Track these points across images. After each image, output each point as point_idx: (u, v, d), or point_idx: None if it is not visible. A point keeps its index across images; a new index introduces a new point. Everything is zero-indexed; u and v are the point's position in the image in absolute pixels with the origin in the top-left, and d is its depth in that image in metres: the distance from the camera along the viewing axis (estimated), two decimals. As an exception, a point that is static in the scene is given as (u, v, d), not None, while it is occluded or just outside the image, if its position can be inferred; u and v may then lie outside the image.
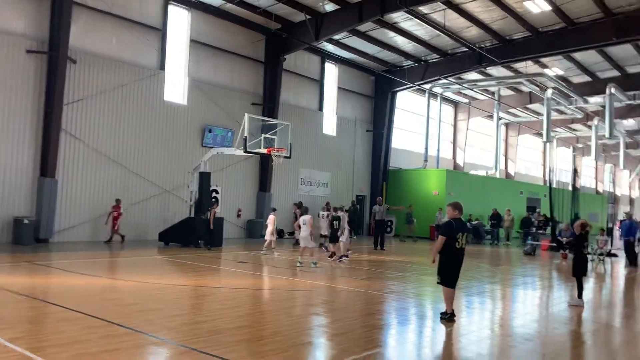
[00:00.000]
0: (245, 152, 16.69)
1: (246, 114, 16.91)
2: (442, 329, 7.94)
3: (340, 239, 15.10)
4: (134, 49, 18.86)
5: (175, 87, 20.38)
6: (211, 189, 19.07)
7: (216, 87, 21.42)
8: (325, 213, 16.32)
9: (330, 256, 15.12)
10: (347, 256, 15.19)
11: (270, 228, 15.99)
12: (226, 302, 8.70)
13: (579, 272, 9.84)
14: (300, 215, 14.66)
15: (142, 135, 19.07)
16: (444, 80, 28.47)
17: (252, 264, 14.17)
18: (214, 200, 17.24)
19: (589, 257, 19.71)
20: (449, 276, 7.85)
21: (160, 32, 19.65)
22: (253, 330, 6.98)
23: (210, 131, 20.89)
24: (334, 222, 15.10)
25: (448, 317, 7.76)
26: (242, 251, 17.10)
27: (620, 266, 18.14)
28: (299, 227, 13.94)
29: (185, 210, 18.61)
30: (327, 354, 6.15)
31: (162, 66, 19.74)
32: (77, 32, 17.09)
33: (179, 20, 20.39)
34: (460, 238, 7.69)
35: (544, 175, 44.98)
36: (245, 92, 22.57)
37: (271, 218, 16.22)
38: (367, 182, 29.09)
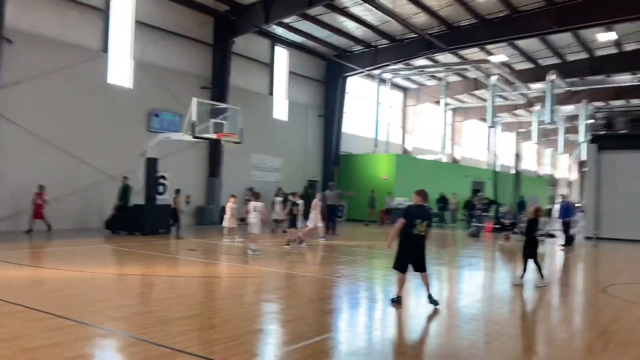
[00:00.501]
0: (194, 137, 16.35)
1: (194, 98, 16.53)
2: (392, 311, 8.11)
3: (307, 224, 15.73)
4: (76, 29, 18.06)
5: (120, 70, 19.67)
6: (158, 175, 18.61)
7: (163, 70, 20.83)
8: (280, 199, 16.39)
9: (287, 243, 15.18)
10: (304, 241, 15.39)
11: (228, 214, 15.78)
12: (176, 291, 8.57)
13: (529, 255, 10.10)
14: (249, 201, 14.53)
15: (85, 119, 18.36)
16: (394, 66, 28.77)
17: (202, 252, 14.01)
18: (178, 189, 16.90)
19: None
20: (401, 261, 7.88)
21: (104, 12, 18.88)
22: (204, 318, 6.90)
23: (157, 115, 20.34)
24: (293, 208, 15.25)
25: (396, 301, 7.86)
26: (191, 238, 16.84)
27: (557, 247, 18.99)
28: (247, 212, 13.65)
29: (132, 197, 18.11)
30: (278, 341, 6.16)
31: (105, 48, 19.00)
32: (14, 11, 16.17)
33: (123, 1, 19.64)
34: (419, 224, 7.67)
35: (489, 159, 46.36)
36: (193, 75, 22.06)
37: (228, 205, 16.00)
38: (319, 167, 29.17)
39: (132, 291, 8.67)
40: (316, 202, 16.35)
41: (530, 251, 10.14)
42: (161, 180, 19.36)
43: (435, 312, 7.53)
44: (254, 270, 11.11)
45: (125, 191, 17.72)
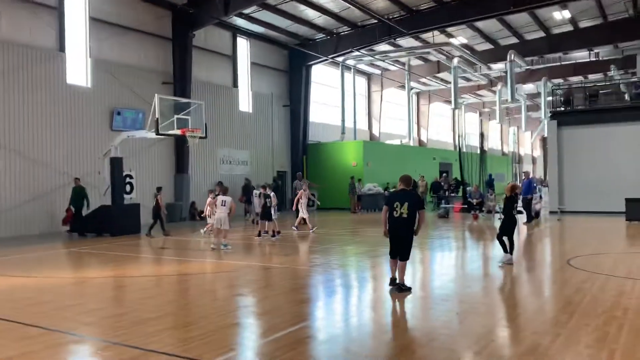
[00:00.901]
0: (158, 134, 16.12)
1: (156, 95, 16.28)
2: (367, 297, 8.23)
3: (274, 217, 15.55)
4: (28, 29, 17.51)
5: (78, 69, 19.20)
6: (125, 174, 18.33)
7: (123, 67, 20.41)
8: (259, 192, 16.31)
9: (258, 235, 15.20)
10: (279, 232, 15.50)
11: (208, 211, 15.41)
12: (148, 291, 8.50)
13: (507, 232, 10.12)
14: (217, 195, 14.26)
15: (44, 122, 17.90)
16: (356, 53, 28.84)
17: (174, 249, 13.89)
18: (160, 187, 16.61)
19: (497, 215, 21.20)
20: (390, 245, 8.00)
21: (57, 10, 18.34)
22: (177, 317, 6.88)
23: (119, 114, 19.97)
24: (267, 200, 15.25)
25: (390, 284, 7.92)
26: (161, 236, 16.67)
27: (520, 223, 19.45)
28: (213, 207, 13.33)
29: (98, 198, 17.80)
30: (254, 333, 6.20)
31: (61, 47, 18.50)
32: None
33: (76, -3, 19.13)
34: (398, 207, 7.72)
35: (454, 141, 47.10)
36: (154, 71, 21.69)
37: (208, 201, 15.75)
38: (287, 157, 29.14)
39: (104, 294, 8.56)
40: (302, 192, 16.52)
41: (508, 228, 10.18)
42: (128, 180, 19.10)
43: (400, 295, 7.66)
44: (227, 265, 11.09)
45: (78, 193, 17.12)
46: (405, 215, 7.73)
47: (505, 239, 10.14)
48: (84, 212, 17.19)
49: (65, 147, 18.51)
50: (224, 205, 12.94)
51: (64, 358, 5.28)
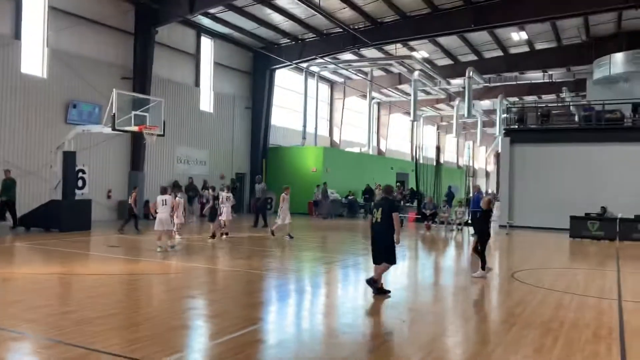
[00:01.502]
0: (114, 129, 15.79)
1: (114, 90, 15.95)
2: (319, 302, 8.31)
3: (221, 218, 15.55)
4: (-19, 13, 16.89)
5: (34, 59, 18.61)
6: (77, 169, 17.86)
7: (81, 59, 19.90)
8: (226, 194, 16.20)
9: (212, 236, 15.07)
10: (227, 233, 15.60)
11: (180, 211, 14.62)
12: (95, 290, 8.32)
13: (483, 247, 10.14)
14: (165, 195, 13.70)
15: (-6, 110, 17.25)
16: (321, 60, 29.05)
17: (124, 248, 13.62)
18: (135, 185, 16.32)
19: (450, 227, 21.73)
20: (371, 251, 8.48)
21: (13, -4, 17.76)
22: (125, 317, 6.78)
23: (75, 107, 19.45)
24: (215, 202, 15.20)
25: (374, 289, 8.23)
26: (112, 234, 16.31)
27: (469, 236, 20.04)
28: (155, 209, 12.55)
29: (48, 192, 17.27)
30: (202, 335, 6.18)
31: (17, 35, 17.89)
32: None
33: (35, -16, 18.56)
34: (375, 213, 8.24)
35: (412, 152, 47.94)
36: (113, 65, 21.23)
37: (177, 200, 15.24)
38: (246, 159, 28.99)
39: (49, 291, 8.33)
40: (284, 196, 15.90)
41: (484, 244, 10.21)
42: (80, 175, 18.62)
43: (362, 301, 7.79)
44: (178, 266, 10.98)
45: (6, 186, 16.38)
46: (379, 220, 8.15)
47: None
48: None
49: (17, 138, 17.88)
50: (165, 205, 12.39)
51: (3, 356, 5.12)
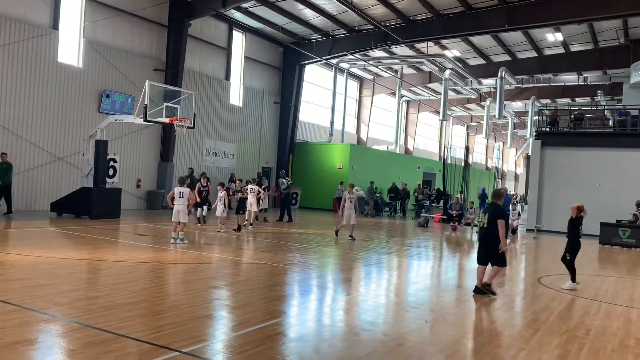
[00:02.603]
0: (146, 120, 16.07)
1: (147, 81, 16.21)
2: (340, 298, 8.34)
3: (249, 209, 16.17)
4: (23, 4, 17.34)
5: (70, 49, 19.05)
6: (108, 157, 18.23)
7: (115, 50, 20.30)
8: (255, 187, 16.68)
9: (238, 229, 15.27)
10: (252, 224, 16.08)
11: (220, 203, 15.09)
12: (123, 277, 8.51)
13: (572, 257, 9.72)
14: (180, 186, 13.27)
15: (32, 98, 17.75)
16: (351, 56, 28.97)
17: (151, 237, 13.87)
18: (204, 172, 16.59)
19: (475, 228, 21.49)
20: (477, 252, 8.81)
21: (53, -13, 18.20)
22: (150, 304, 6.91)
23: (108, 97, 19.86)
24: (236, 193, 15.51)
25: (476, 291, 8.55)
26: (141, 223, 16.62)
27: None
28: (172, 199, 12.55)
29: (80, 179, 17.69)
30: (225, 326, 6.27)
31: (55, 25, 18.35)
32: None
33: (74, -24, 18.98)
34: (483, 218, 8.67)
35: (440, 152, 47.51)
36: (147, 56, 21.60)
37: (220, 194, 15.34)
38: (273, 154, 29.17)
39: (78, 276, 8.55)
40: (346, 195, 15.39)
41: (574, 253, 9.75)
42: (111, 164, 19.01)
43: (384, 299, 7.75)
44: (203, 257, 11.13)
45: (4, 170, 16.09)
46: (485, 225, 8.49)
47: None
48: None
49: (52, 125, 18.36)
50: (182, 197, 12.39)
51: (34, 336, 5.30)
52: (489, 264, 8.58)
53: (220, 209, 15.00)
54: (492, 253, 8.47)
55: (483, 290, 8.50)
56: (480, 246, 8.74)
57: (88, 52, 19.38)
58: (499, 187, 27.38)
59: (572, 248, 9.79)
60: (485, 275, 8.64)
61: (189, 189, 12.77)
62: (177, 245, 12.13)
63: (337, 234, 15.75)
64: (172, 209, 12.52)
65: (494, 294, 8.51)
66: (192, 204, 13.10)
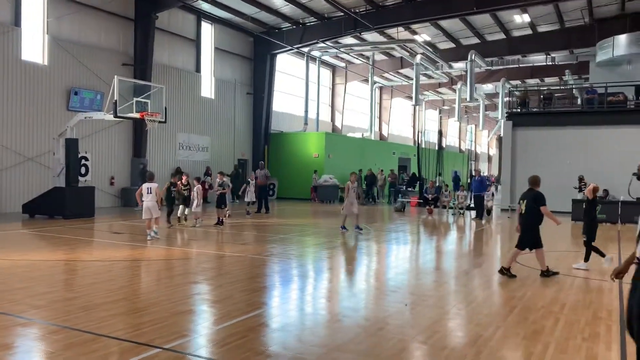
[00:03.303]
0: (116, 116, 15.81)
1: (116, 76, 15.95)
2: (322, 287, 8.38)
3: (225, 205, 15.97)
4: (-20, 0, 16.82)
5: (34, 46, 18.57)
6: (80, 156, 17.91)
7: (82, 46, 19.86)
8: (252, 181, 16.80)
9: (220, 222, 15.22)
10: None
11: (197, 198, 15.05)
12: (100, 276, 8.41)
13: (589, 238, 9.76)
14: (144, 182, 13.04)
15: (-5, 98, 17.27)
16: (322, 44, 28.90)
17: (128, 234, 13.71)
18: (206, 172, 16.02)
19: (451, 210, 21.79)
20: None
21: (12, -18, 17.67)
22: (129, 303, 6.86)
23: (76, 94, 19.46)
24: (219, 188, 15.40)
25: (543, 274, 8.80)
26: (116, 221, 16.41)
27: (470, 219, 20.10)
28: (140, 196, 12.34)
29: (51, 179, 17.35)
30: (207, 320, 6.26)
31: (17, 22, 17.85)
32: None
33: (34, -29, 18.45)
34: (521, 204, 8.95)
35: (414, 136, 47.89)
36: (114, 51, 21.19)
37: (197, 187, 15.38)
38: (248, 145, 29.01)
39: (54, 278, 8.43)
40: (349, 185, 14.63)
41: (591, 234, 9.79)
42: (83, 162, 18.68)
43: (364, 284, 7.82)
44: (181, 252, 11.06)
45: None
46: (523, 212, 8.74)
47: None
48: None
49: (18, 125, 17.93)
50: (150, 193, 12.22)
51: (11, 340, 5.21)
52: (527, 249, 8.89)
53: (195, 203, 14.91)
54: (530, 238, 8.77)
55: (548, 273, 8.79)
56: (521, 232, 8.92)
57: (53, 48, 18.92)
58: (473, 169, 27.75)
59: (590, 229, 9.90)
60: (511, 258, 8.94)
61: (157, 185, 12.54)
62: (153, 239, 12.02)
63: (345, 229, 14.67)
64: (142, 206, 12.30)
65: (513, 276, 8.71)
66: (160, 199, 12.71)
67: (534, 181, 9.12)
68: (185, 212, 15.62)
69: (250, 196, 18.52)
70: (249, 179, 17.83)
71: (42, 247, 11.59)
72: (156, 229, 12.42)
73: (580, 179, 20.49)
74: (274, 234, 14.32)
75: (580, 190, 20.34)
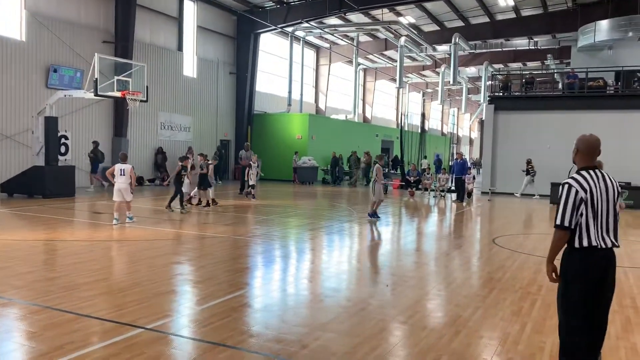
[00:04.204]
0: (96, 95, 15.57)
1: (96, 54, 15.65)
2: (304, 267, 8.45)
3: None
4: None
5: (12, 21, 18.09)
6: (59, 134, 17.64)
7: (61, 22, 19.41)
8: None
9: (198, 203, 15.14)
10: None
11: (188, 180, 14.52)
12: (81, 256, 8.36)
13: None
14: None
15: (-29, 74, 16.85)
16: (306, 24, 28.63)
17: (109, 214, 13.57)
18: (214, 152, 14.99)
19: (432, 193, 22.00)
20: None
21: (-13, -46, 17.13)
22: (111, 283, 6.85)
23: (55, 71, 19.07)
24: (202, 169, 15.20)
25: None
26: (97, 201, 16.25)
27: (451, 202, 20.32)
28: (112, 176, 11.66)
29: (30, 158, 17.08)
30: (189, 300, 6.28)
31: (-9, -5, 17.36)
32: None
33: (10, -58, 17.90)
34: None
35: (397, 119, 47.98)
36: (95, 28, 20.75)
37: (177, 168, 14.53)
38: (231, 126, 28.80)
39: (35, 257, 8.35)
40: (379, 167, 13.99)
41: None
42: (63, 141, 18.41)
43: (346, 265, 7.89)
44: (164, 233, 11.03)
45: None
46: None
47: None
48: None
49: (-5, 102, 17.56)
50: (123, 175, 11.57)
51: (-9, 321, 5.19)
52: None
53: (186, 184, 14.57)
54: None
55: None
56: None
57: (31, 24, 18.46)
58: (455, 151, 28.01)
59: None
60: None
61: (131, 166, 11.85)
62: (127, 224, 11.54)
63: (376, 216, 13.63)
64: (113, 185, 11.74)
65: None
66: (134, 181, 11.98)
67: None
68: (211, 196, 15.28)
69: (253, 179, 17.50)
70: (250, 162, 17.41)
71: (22, 226, 11.45)
72: (130, 214, 11.86)
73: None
74: (256, 215, 14.33)
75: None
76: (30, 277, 6.88)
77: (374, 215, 13.60)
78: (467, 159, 22.84)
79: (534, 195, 21.53)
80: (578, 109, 22.48)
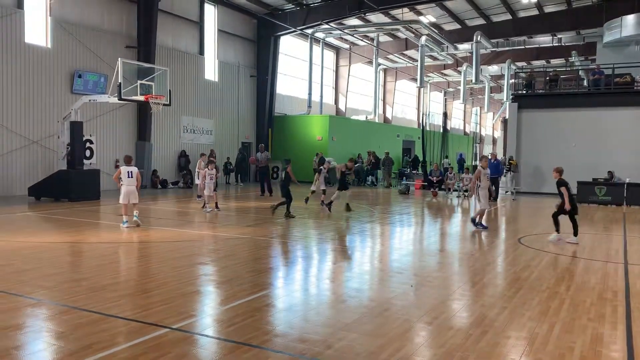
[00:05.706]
0: (120, 99, 15.79)
1: (119, 58, 15.90)
2: (326, 268, 8.43)
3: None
4: (-18, -18, 16.71)
5: (37, 28, 18.49)
6: (84, 139, 17.94)
7: (85, 29, 19.76)
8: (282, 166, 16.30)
9: (203, 206, 15.07)
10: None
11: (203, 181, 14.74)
12: (107, 258, 8.47)
13: (572, 212, 10.53)
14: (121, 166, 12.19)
15: (1, 82, 17.24)
16: (326, 26, 28.65)
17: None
18: (288, 159, 15.09)
19: (455, 193, 21.78)
20: None
21: (14, -36, 17.53)
22: (136, 284, 6.92)
23: (80, 76, 19.41)
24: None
25: None
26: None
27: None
28: (118, 179, 11.56)
29: (57, 162, 17.41)
30: (213, 301, 6.31)
31: (19, 4, 17.74)
32: None
33: (35, -48, 18.29)
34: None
35: (418, 119, 47.66)
36: (118, 34, 21.08)
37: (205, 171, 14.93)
38: (252, 128, 28.96)
39: (62, 259, 8.49)
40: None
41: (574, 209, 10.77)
42: (88, 145, 18.72)
43: (369, 266, 7.84)
44: (187, 234, 11.12)
45: None
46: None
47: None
48: None
49: (23, 108, 17.93)
50: (131, 177, 11.47)
51: (22, 321, 5.28)
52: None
53: (211, 187, 14.67)
54: None
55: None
56: None
57: (56, 31, 18.83)
58: (492, 153, 27.63)
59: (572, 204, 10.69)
60: None
61: (137, 169, 11.82)
62: (127, 226, 11.44)
63: (484, 227, 12.42)
64: (120, 189, 11.62)
65: None
66: (139, 183, 11.86)
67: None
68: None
69: (322, 184, 16.13)
70: (321, 168, 16.11)
71: (49, 229, 11.66)
72: (136, 214, 11.73)
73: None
74: (277, 216, 14.33)
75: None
76: (58, 278, 6.99)
77: (479, 224, 12.34)
78: (500, 160, 22.64)
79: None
80: (604, 105, 22.05)
